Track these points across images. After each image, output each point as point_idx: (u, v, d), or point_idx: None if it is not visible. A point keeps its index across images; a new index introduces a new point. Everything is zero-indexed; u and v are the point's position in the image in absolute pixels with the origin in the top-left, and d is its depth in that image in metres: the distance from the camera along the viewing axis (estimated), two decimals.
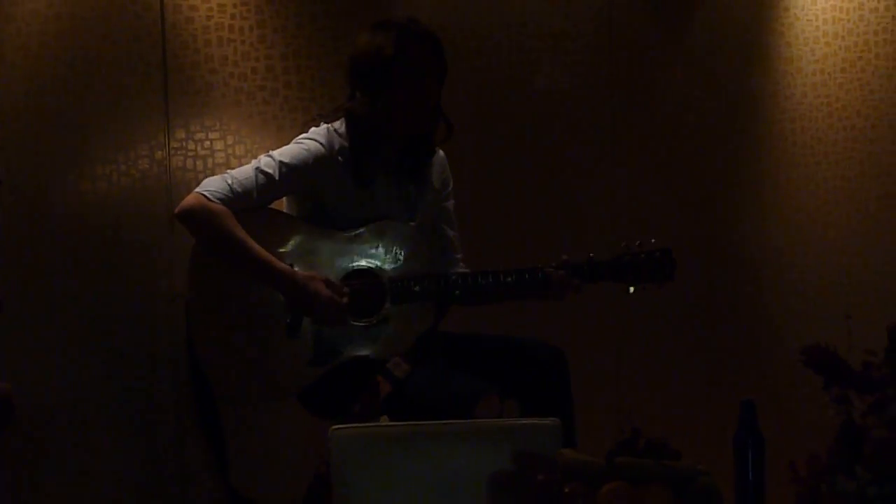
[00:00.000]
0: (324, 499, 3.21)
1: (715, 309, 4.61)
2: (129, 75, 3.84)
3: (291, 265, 3.44)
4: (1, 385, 3.11)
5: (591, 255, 3.56)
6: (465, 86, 4.15)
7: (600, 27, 4.44)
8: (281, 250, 3.46)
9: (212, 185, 3.42)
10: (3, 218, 3.67)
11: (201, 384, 3.48)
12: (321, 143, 3.50)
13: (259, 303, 3.44)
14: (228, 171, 3.49)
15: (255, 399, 3.57)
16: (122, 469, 3.83)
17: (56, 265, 3.77)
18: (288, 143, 3.54)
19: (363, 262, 3.49)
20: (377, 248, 3.50)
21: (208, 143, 3.92)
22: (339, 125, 3.53)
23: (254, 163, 3.48)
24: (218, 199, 3.40)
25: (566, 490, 2.74)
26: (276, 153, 3.49)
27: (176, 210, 3.45)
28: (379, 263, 3.49)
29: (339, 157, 3.50)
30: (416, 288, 3.47)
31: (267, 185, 3.45)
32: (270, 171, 3.45)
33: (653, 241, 3.56)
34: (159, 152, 3.88)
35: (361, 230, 3.50)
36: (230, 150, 3.93)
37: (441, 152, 3.66)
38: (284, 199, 3.57)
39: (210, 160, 3.92)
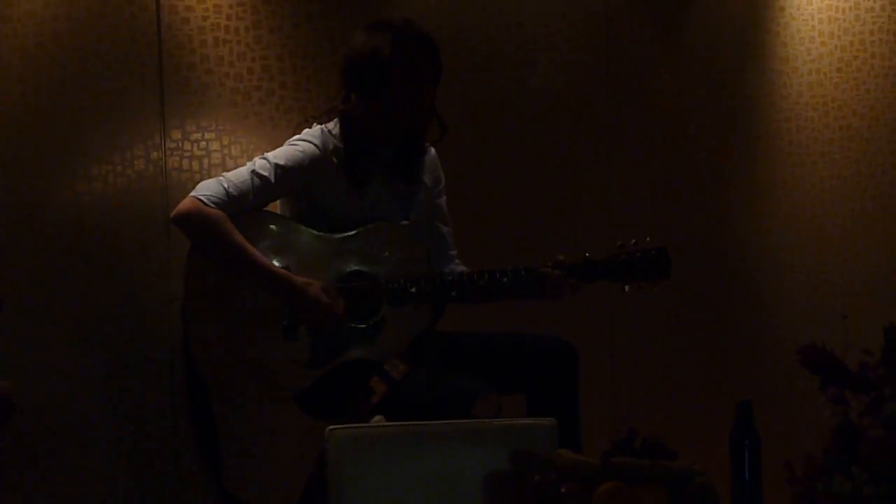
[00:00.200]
0: (320, 500, 3.20)
1: (711, 309, 4.61)
2: (125, 76, 3.84)
3: (288, 268, 3.43)
4: (2, 383, 3.11)
5: (588, 254, 3.56)
6: (462, 85, 4.15)
7: (597, 27, 4.44)
8: (277, 254, 3.45)
9: (207, 189, 3.41)
10: None
11: (197, 386, 3.48)
12: (315, 145, 3.49)
13: (256, 305, 3.43)
14: (223, 174, 3.48)
15: (252, 401, 3.56)
16: (116, 471, 3.83)
17: (52, 265, 3.76)
18: (283, 144, 3.54)
19: (360, 265, 3.49)
20: (373, 249, 3.50)
21: (204, 143, 3.91)
22: (333, 126, 3.53)
23: (248, 165, 3.47)
24: (214, 203, 3.39)
25: (562, 490, 2.74)
26: (270, 155, 3.48)
27: (172, 214, 3.44)
28: (375, 265, 3.49)
29: (334, 158, 3.50)
30: (413, 289, 3.46)
31: (262, 188, 3.44)
32: (266, 173, 3.44)
33: (648, 239, 3.56)
34: (155, 153, 3.88)
35: (356, 232, 3.50)
36: (226, 151, 3.93)
37: (432, 150, 3.67)
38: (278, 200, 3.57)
39: (206, 160, 3.91)
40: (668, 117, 4.57)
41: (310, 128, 3.55)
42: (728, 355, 4.61)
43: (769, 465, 2.80)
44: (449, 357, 3.52)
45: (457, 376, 3.42)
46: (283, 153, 3.49)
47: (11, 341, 3.66)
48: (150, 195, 3.87)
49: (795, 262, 4.71)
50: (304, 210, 3.53)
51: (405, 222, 3.55)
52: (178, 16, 3.88)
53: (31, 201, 3.75)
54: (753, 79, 4.66)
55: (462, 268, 3.66)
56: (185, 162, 3.90)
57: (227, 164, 3.89)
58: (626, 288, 3.56)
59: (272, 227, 3.49)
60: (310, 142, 3.50)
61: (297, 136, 3.54)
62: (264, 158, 3.48)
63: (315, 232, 3.49)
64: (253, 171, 3.45)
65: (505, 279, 3.50)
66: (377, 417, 3.35)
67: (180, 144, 3.90)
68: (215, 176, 3.59)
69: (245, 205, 3.43)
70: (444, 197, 3.71)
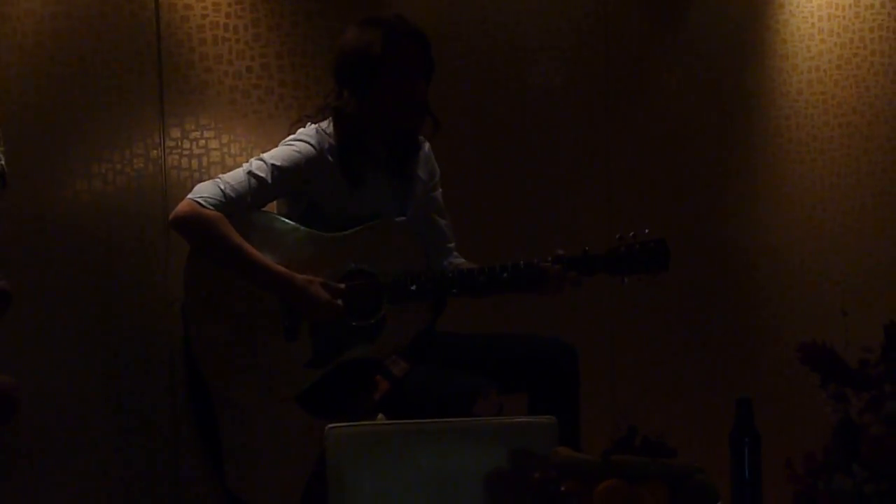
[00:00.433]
0: (322, 499, 3.20)
1: (711, 306, 4.61)
2: (124, 74, 3.83)
3: (287, 268, 3.43)
4: (5, 379, 3.11)
5: (587, 248, 3.55)
6: (460, 82, 4.15)
7: (595, 24, 4.43)
8: (276, 254, 3.45)
9: (205, 191, 3.41)
10: None
11: (198, 387, 3.48)
12: (311, 144, 3.49)
13: (257, 305, 3.43)
14: (220, 175, 3.48)
15: (253, 401, 3.56)
16: (117, 471, 3.82)
17: (51, 264, 3.76)
18: (279, 144, 3.54)
19: (359, 263, 3.49)
20: (372, 247, 3.50)
21: (203, 141, 3.91)
22: (327, 125, 3.53)
23: (245, 166, 3.48)
24: (212, 204, 3.39)
25: (563, 488, 2.74)
26: (266, 156, 3.48)
27: (170, 218, 3.45)
28: (375, 263, 3.49)
29: (329, 157, 3.50)
30: (413, 287, 3.46)
31: (260, 189, 3.44)
32: (263, 174, 3.44)
33: (646, 231, 3.56)
34: (154, 151, 3.87)
35: (355, 230, 3.49)
36: (225, 149, 3.93)
37: (426, 144, 3.67)
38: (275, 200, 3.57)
39: (205, 159, 3.91)
40: (668, 115, 4.56)
41: (304, 127, 3.55)
42: (728, 353, 4.61)
43: (769, 462, 2.80)
44: (450, 357, 3.52)
45: (457, 375, 3.42)
46: (279, 153, 3.49)
47: (11, 341, 3.66)
48: (150, 193, 3.86)
49: (795, 259, 4.71)
50: (301, 209, 3.53)
51: (402, 219, 3.55)
52: (177, 14, 3.88)
53: (31, 199, 3.75)
54: (753, 76, 4.65)
55: (461, 260, 3.67)
56: (185, 160, 3.90)
57: (227, 162, 3.89)
58: (626, 280, 3.56)
59: (270, 227, 3.49)
60: (305, 141, 3.50)
61: (292, 136, 3.54)
62: (261, 159, 3.48)
63: (313, 231, 3.49)
64: (250, 172, 3.45)
65: (505, 274, 3.49)
66: (380, 416, 3.36)
67: (179, 143, 3.89)
68: (215, 174, 3.60)
69: (242, 206, 3.42)
70: (440, 190, 3.71)
